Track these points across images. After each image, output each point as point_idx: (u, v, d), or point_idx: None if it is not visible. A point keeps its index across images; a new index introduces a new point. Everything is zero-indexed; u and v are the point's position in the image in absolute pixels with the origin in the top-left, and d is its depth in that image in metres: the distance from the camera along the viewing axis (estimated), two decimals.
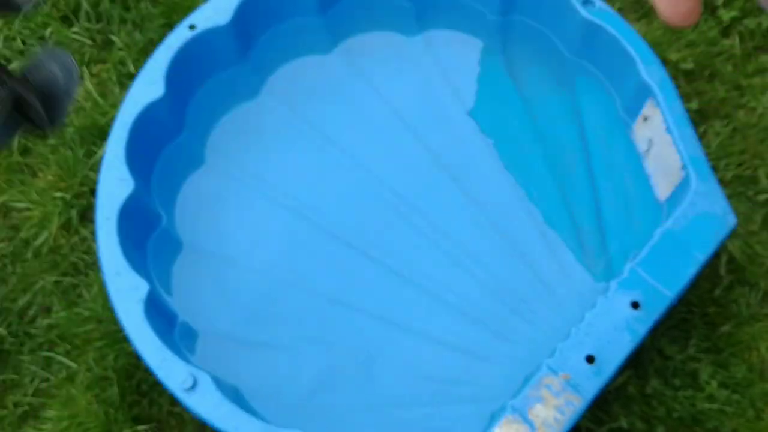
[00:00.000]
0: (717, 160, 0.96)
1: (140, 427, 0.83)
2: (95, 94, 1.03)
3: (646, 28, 1.08)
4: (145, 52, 1.07)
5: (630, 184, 0.92)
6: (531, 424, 0.69)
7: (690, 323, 0.87)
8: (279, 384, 0.81)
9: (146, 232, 0.88)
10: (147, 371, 0.84)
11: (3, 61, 1.09)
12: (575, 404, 0.70)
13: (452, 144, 0.97)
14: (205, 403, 0.70)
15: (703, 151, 0.83)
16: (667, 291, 0.76)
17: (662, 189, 0.88)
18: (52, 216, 0.95)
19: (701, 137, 0.99)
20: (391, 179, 0.94)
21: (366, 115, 0.99)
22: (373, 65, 1.03)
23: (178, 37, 0.92)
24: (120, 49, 1.08)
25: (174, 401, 0.84)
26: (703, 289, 0.89)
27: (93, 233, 0.93)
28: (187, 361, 0.74)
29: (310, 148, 0.97)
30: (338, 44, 1.05)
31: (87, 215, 0.97)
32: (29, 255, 0.95)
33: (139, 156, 0.87)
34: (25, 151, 1.03)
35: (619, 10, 1.11)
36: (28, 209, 0.98)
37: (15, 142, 1.02)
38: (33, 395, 0.87)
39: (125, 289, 0.76)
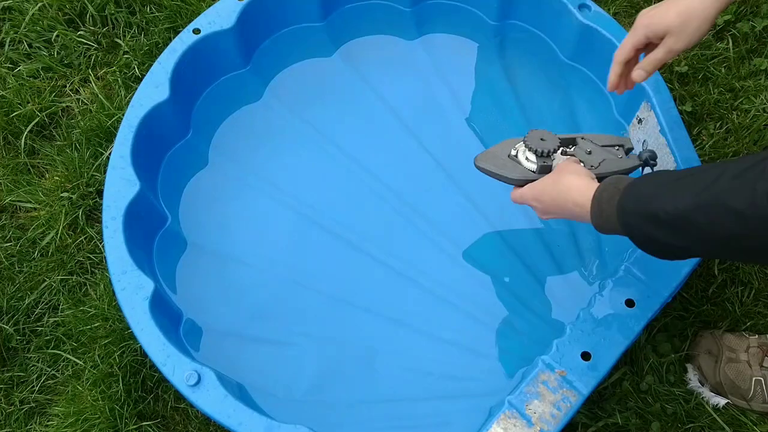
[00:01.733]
0: (711, 161, 0.98)
1: (145, 423, 0.84)
2: (101, 97, 1.05)
3: None
4: (150, 55, 1.09)
5: None
6: (528, 420, 0.70)
7: (685, 321, 0.89)
8: (282, 380, 0.83)
9: (152, 232, 0.90)
10: (152, 368, 0.86)
11: (10, 65, 1.11)
12: (571, 400, 0.71)
13: (451, 146, 0.99)
14: (209, 398, 0.71)
15: (696, 152, 0.85)
16: (661, 289, 0.77)
17: None
18: (59, 216, 0.97)
19: (695, 139, 1.00)
20: (391, 180, 0.96)
21: (367, 117, 1.01)
22: (374, 68, 1.05)
23: (183, 41, 0.94)
24: (125, 53, 1.09)
25: (179, 397, 0.86)
26: (697, 287, 0.90)
27: (99, 233, 0.95)
28: (192, 357, 0.75)
29: (313, 150, 0.99)
30: (339, 48, 1.06)
31: (93, 215, 0.99)
32: (36, 254, 0.96)
33: (144, 157, 0.89)
34: (31, 152, 1.05)
35: (614, 14, 1.12)
36: (35, 209, 1.00)
37: (21, 144, 1.04)
38: (39, 392, 0.89)
39: (131, 288, 0.78)
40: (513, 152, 0.75)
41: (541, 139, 0.73)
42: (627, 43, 0.70)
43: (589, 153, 0.74)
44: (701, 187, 0.51)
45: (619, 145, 0.75)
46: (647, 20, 0.67)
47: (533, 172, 0.73)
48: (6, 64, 1.11)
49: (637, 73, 0.70)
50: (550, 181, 0.69)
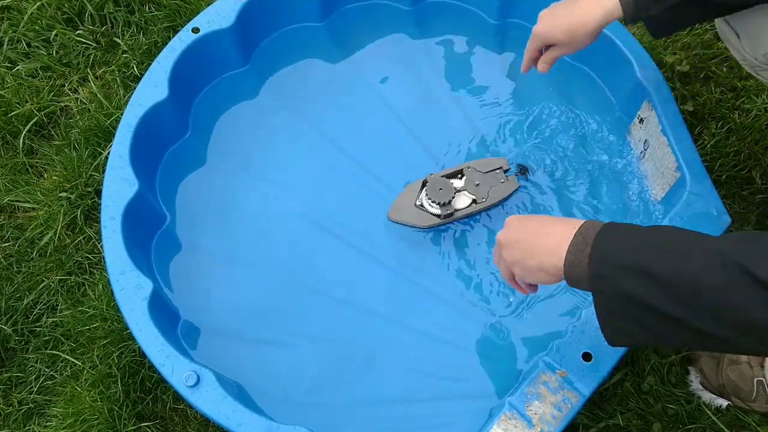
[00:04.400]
0: (712, 161, 0.97)
1: (144, 424, 0.84)
2: (100, 96, 1.05)
3: (643, 32, 1.09)
4: (149, 54, 1.08)
5: (626, 185, 0.94)
6: (529, 421, 0.70)
7: None
8: (281, 381, 0.82)
9: (150, 232, 0.89)
10: (151, 368, 0.86)
11: (9, 64, 1.11)
12: (572, 401, 0.71)
13: (452, 145, 0.98)
14: (208, 399, 0.71)
15: (697, 152, 0.84)
16: None
17: (658, 189, 0.90)
18: (57, 216, 0.96)
19: (696, 138, 1.00)
20: (391, 179, 0.96)
21: (366, 117, 1.01)
22: (374, 68, 1.04)
23: (181, 40, 0.93)
24: (124, 52, 1.09)
25: (178, 398, 0.85)
26: None
27: (98, 233, 0.95)
28: (191, 358, 0.75)
29: (312, 149, 0.98)
30: (339, 47, 1.06)
31: (92, 215, 0.99)
32: (34, 254, 0.96)
33: (143, 157, 0.89)
34: (30, 152, 1.04)
35: None
36: (34, 209, 0.99)
37: (20, 143, 1.03)
38: (38, 393, 0.88)
39: (129, 288, 0.77)
40: (419, 202, 0.88)
41: (440, 189, 0.86)
42: (530, 46, 0.80)
43: (478, 185, 0.88)
44: (705, 248, 0.46)
45: (498, 168, 0.89)
46: (541, 30, 0.77)
47: (439, 217, 0.87)
48: (4, 64, 1.10)
49: (541, 66, 0.81)
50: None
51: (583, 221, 0.54)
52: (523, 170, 0.91)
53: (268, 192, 0.95)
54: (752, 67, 0.76)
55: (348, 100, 1.02)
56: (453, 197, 0.86)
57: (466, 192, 0.88)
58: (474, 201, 0.88)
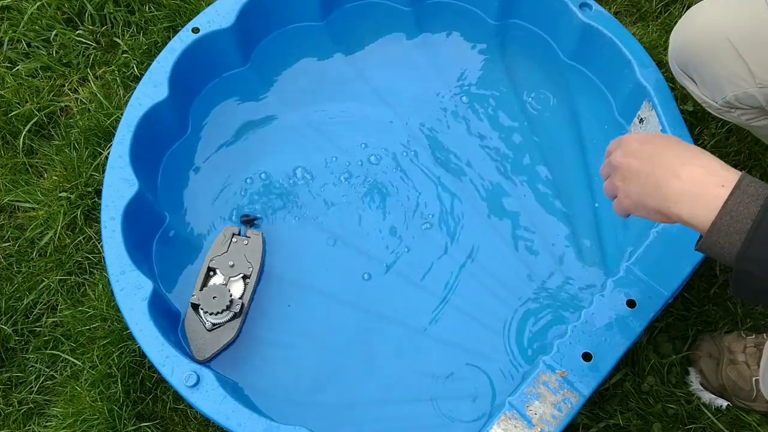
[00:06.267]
0: None
1: (144, 424, 0.84)
2: (100, 96, 1.05)
3: (643, 32, 1.09)
4: (149, 54, 1.08)
5: None
6: (529, 421, 0.70)
7: (686, 322, 0.88)
8: (281, 381, 0.82)
9: (150, 232, 0.89)
10: (151, 368, 0.86)
11: (9, 64, 1.11)
12: (572, 401, 0.71)
13: (452, 146, 0.98)
14: (208, 399, 0.71)
15: None
16: (662, 290, 0.77)
17: None
18: (57, 216, 0.96)
19: (696, 138, 1.00)
20: (391, 180, 0.96)
21: (367, 117, 1.01)
22: (374, 68, 1.04)
23: (181, 40, 0.93)
24: (124, 52, 1.09)
25: (178, 398, 0.85)
26: (698, 287, 0.90)
27: (98, 233, 0.95)
28: (191, 358, 0.75)
29: (312, 149, 0.98)
30: (339, 47, 1.06)
31: (92, 215, 0.99)
32: (34, 254, 0.96)
33: (143, 157, 0.89)
34: (30, 152, 1.04)
35: (616, 13, 1.12)
36: (34, 209, 0.99)
37: (20, 143, 1.03)
38: (38, 393, 0.88)
39: (129, 288, 0.77)
40: (209, 324, 0.81)
41: (214, 298, 0.81)
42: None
43: (233, 265, 0.84)
44: None
45: (231, 235, 0.86)
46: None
47: (237, 316, 0.82)
48: (4, 64, 1.10)
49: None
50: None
51: (734, 175, 0.45)
52: (249, 221, 0.89)
53: (267, 191, 0.95)
54: (714, 110, 0.75)
55: (348, 99, 1.02)
56: (229, 293, 0.81)
57: (231, 278, 0.84)
58: (245, 276, 0.84)
